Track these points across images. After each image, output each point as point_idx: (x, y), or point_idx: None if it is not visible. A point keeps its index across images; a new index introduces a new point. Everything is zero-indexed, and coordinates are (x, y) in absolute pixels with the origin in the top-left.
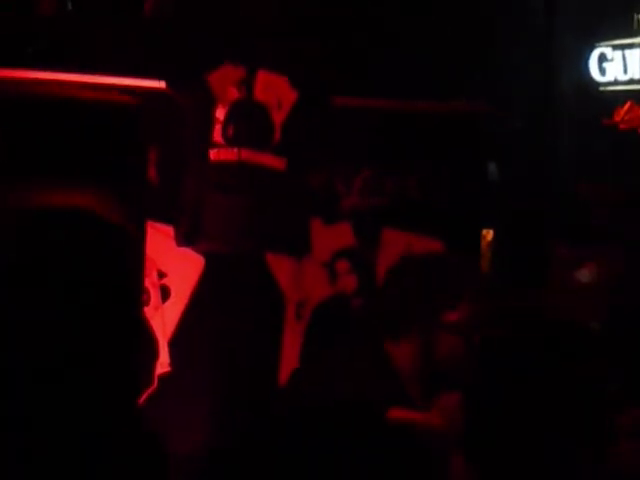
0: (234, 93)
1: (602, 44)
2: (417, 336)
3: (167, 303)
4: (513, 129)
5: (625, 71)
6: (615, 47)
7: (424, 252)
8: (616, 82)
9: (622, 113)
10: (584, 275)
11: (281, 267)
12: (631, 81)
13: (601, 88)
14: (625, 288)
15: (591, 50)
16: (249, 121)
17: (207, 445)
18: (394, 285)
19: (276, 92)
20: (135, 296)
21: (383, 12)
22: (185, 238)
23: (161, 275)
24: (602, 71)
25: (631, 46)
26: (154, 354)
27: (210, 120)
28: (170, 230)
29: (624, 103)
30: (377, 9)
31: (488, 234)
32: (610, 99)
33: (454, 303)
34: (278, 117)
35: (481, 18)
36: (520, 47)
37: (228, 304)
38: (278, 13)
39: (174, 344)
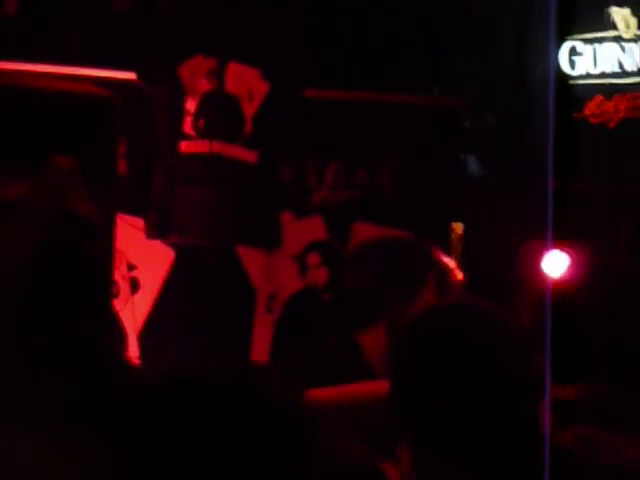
0: (205, 85)
1: (573, 37)
2: (384, 325)
3: (136, 295)
4: (485, 122)
5: (595, 65)
6: (586, 41)
7: (385, 237)
8: (587, 76)
9: (592, 107)
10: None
11: (252, 260)
12: (602, 75)
13: (571, 82)
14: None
15: (561, 43)
16: (220, 113)
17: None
18: (357, 272)
19: (247, 84)
20: (104, 288)
21: (353, 3)
22: (155, 230)
23: (131, 267)
24: (572, 65)
25: (602, 40)
26: (123, 347)
27: (181, 112)
28: (140, 222)
29: (594, 97)
30: (349, 1)
31: (458, 227)
32: (580, 93)
33: (417, 290)
34: (249, 109)
35: (454, 12)
36: (492, 40)
37: (198, 297)
38: (250, 5)
39: (144, 337)
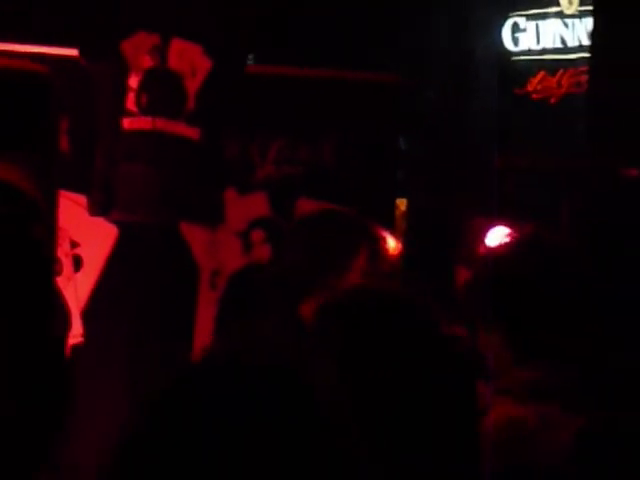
0: (148, 61)
1: (515, 14)
2: (322, 295)
3: (80, 273)
4: (427, 99)
5: (538, 41)
6: (528, 17)
7: (319, 211)
8: (529, 52)
9: (535, 83)
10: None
11: (195, 237)
12: (544, 51)
13: (514, 58)
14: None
15: (505, 20)
16: (163, 89)
17: (118, 417)
18: (292, 245)
19: (190, 60)
20: (47, 266)
21: None
22: (98, 207)
23: (74, 245)
24: (515, 41)
25: (544, 16)
26: (67, 325)
27: (123, 89)
28: (83, 199)
29: (537, 73)
30: None
31: (402, 204)
32: (523, 69)
33: (350, 260)
34: (192, 86)
35: None
36: (435, 19)
37: (142, 274)
38: None
39: (87, 314)
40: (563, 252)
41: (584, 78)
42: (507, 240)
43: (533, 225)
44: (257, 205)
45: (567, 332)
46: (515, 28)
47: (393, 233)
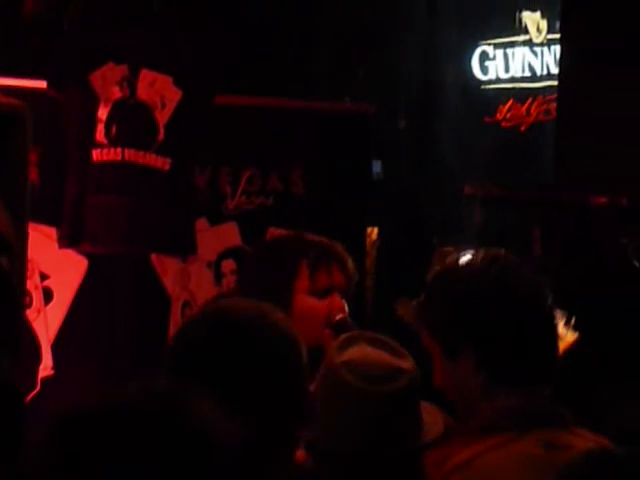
0: (117, 92)
1: (484, 42)
2: None
3: (50, 305)
4: (398, 128)
5: (507, 69)
6: (497, 45)
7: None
8: (498, 80)
9: (504, 111)
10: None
11: (166, 268)
12: (513, 79)
13: (483, 86)
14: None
15: (474, 48)
16: (132, 121)
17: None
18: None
19: (159, 91)
20: (15, 298)
21: (268, 12)
22: (67, 240)
23: (43, 277)
24: (484, 69)
25: (513, 44)
26: (37, 358)
27: (92, 120)
28: (52, 232)
29: (506, 101)
30: (261, 9)
31: (373, 232)
32: (492, 97)
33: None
34: (162, 117)
35: (365, 18)
36: (404, 47)
37: (112, 305)
38: (161, 13)
39: (57, 347)
40: (518, 271)
41: (553, 106)
42: (461, 262)
43: (495, 250)
44: (228, 235)
45: (528, 354)
46: (484, 57)
47: (364, 261)
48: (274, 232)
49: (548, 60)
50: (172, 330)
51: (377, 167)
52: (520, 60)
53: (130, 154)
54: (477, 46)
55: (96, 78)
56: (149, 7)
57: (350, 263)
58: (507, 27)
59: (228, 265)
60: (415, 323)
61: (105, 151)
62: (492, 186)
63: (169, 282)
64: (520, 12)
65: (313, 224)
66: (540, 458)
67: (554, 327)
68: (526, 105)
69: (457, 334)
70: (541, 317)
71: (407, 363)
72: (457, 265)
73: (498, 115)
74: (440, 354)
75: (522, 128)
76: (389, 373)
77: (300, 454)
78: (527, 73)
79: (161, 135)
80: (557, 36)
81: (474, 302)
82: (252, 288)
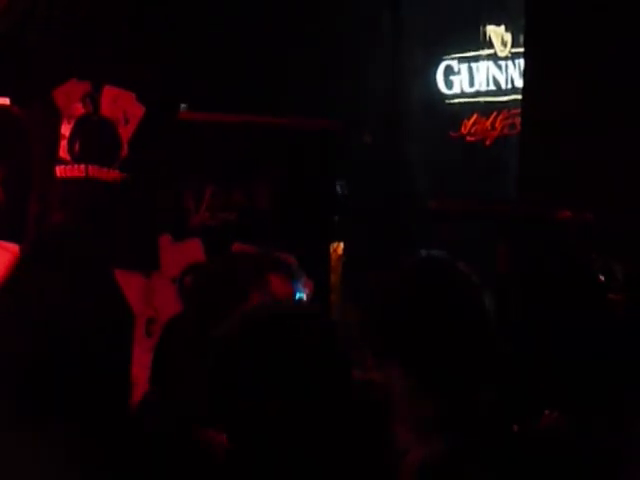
0: (80, 109)
1: (449, 57)
2: None
3: None
4: (363, 144)
5: (472, 84)
6: (461, 60)
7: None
8: (462, 94)
9: (469, 125)
10: None
11: (130, 283)
12: (477, 93)
13: (448, 101)
14: None
15: (438, 63)
16: (95, 137)
17: None
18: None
19: (122, 107)
20: None
21: (234, 28)
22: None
23: None
24: (449, 84)
25: (477, 59)
26: None
27: (56, 136)
28: (16, 248)
29: (470, 116)
30: (227, 25)
31: (338, 247)
32: (457, 112)
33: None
34: (125, 133)
35: (332, 36)
36: (369, 63)
37: (76, 322)
38: (124, 29)
39: None
40: (453, 277)
41: (518, 120)
42: (392, 272)
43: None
44: (192, 251)
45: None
46: (448, 71)
47: (328, 277)
48: (238, 248)
49: (513, 74)
50: (136, 347)
51: (343, 183)
52: (484, 74)
53: (93, 170)
54: (442, 60)
55: (59, 94)
56: (111, 24)
57: (299, 274)
58: (471, 41)
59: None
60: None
61: (69, 167)
62: (457, 201)
63: (133, 298)
64: (484, 26)
65: (277, 239)
66: (440, 466)
67: (486, 334)
68: (491, 119)
69: (383, 339)
70: (472, 324)
71: None
72: (390, 271)
73: (463, 129)
74: (371, 357)
75: (487, 142)
76: None
77: None
78: (492, 87)
79: (125, 151)
80: (521, 50)
81: (398, 307)
82: (206, 304)
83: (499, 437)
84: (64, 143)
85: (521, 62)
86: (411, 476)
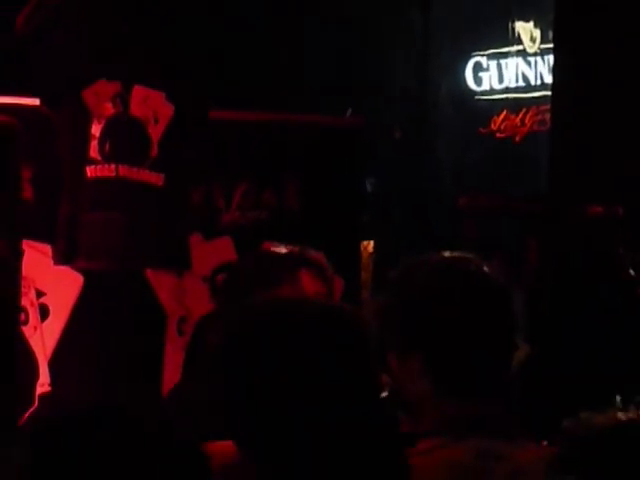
0: (110, 109)
1: (477, 53)
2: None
3: (46, 322)
4: (393, 140)
5: (501, 80)
6: (490, 56)
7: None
8: (492, 91)
9: (498, 122)
10: None
11: (161, 283)
12: (506, 90)
13: (477, 97)
14: None
15: (467, 60)
16: (125, 137)
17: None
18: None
19: (152, 107)
20: (10, 317)
21: (264, 26)
22: (63, 256)
23: (39, 294)
24: (478, 80)
25: (506, 55)
26: (34, 374)
27: (86, 136)
28: (47, 248)
29: (500, 112)
30: (257, 24)
31: (369, 245)
32: (486, 108)
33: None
34: (155, 132)
35: (361, 33)
36: (398, 60)
37: (108, 321)
38: (152, 29)
39: (54, 363)
40: (478, 278)
41: (548, 116)
42: (418, 265)
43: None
44: (223, 250)
45: (474, 363)
46: (477, 67)
47: (358, 274)
48: (269, 246)
49: (542, 70)
50: (168, 346)
51: (372, 180)
52: (514, 70)
53: (124, 170)
54: (470, 57)
55: (89, 95)
56: (140, 24)
57: (328, 270)
58: (500, 38)
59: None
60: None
61: (99, 167)
62: (487, 197)
63: (165, 297)
64: (513, 22)
65: (307, 238)
66: (468, 466)
67: (507, 337)
68: (520, 115)
69: (407, 334)
70: (494, 327)
71: None
72: (415, 267)
73: (492, 126)
74: (393, 354)
75: (517, 138)
76: None
77: None
78: (521, 83)
79: (154, 151)
80: (550, 46)
81: (424, 304)
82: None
83: (525, 437)
84: (94, 143)
85: (550, 58)
86: (437, 476)
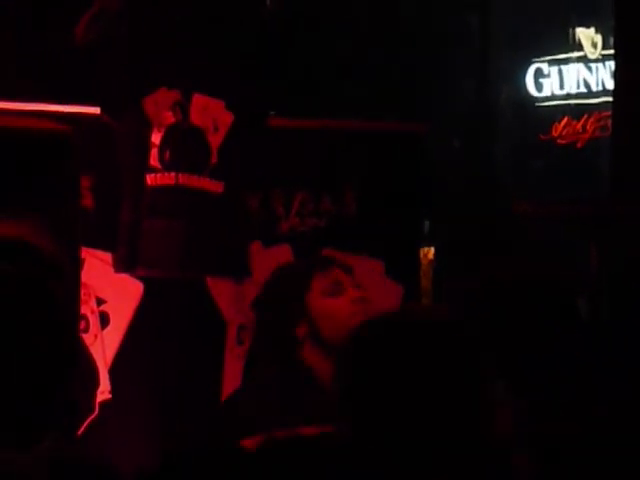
0: (170, 117)
1: (538, 60)
2: None
3: (106, 330)
4: (453, 147)
5: (562, 86)
6: (551, 62)
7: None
8: (553, 97)
9: (559, 128)
10: None
11: (221, 291)
12: (568, 96)
13: (538, 104)
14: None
15: (528, 66)
16: (185, 145)
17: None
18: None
19: (212, 115)
20: (71, 325)
21: (320, 34)
22: (123, 264)
23: (100, 302)
24: (539, 87)
25: (567, 61)
26: (95, 382)
27: (146, 145)
28: (108, 256)
29: (561, 118)
30: (313, 31)
31: (429, 252)
32: (547, 114)
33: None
34: (214, 140)
35: (419, 39)
36: (459, 66)
37: (168, 329)
38: (211, 38)
39: (114, 371)
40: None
41: (609, 122)
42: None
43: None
44: (282, 257)
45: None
46: (538, 74)
47: (418, 282)
48: (328, 253)
49: (603, 76)
50: (228, 354)
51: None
52: (575, 76)
53: (184, 178)
54: (531, 63)
55: (149, 103)
56: (199, 32)
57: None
58: (561, 44)
59: None
60: None
61: (159, 175)
62: (550, 204)
63: (224, 305)
64: (574, 28)
65: (367, 245)
66: None
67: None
68: (582, 121)
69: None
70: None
71: None
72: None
73: (553, 132)
74: None
75: (578, 145)
76: None
77: None
78: (582, 89)
79: (214, 158)
80: (612, 52)
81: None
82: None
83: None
84: (154, 151)
85: (611, 64)
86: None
